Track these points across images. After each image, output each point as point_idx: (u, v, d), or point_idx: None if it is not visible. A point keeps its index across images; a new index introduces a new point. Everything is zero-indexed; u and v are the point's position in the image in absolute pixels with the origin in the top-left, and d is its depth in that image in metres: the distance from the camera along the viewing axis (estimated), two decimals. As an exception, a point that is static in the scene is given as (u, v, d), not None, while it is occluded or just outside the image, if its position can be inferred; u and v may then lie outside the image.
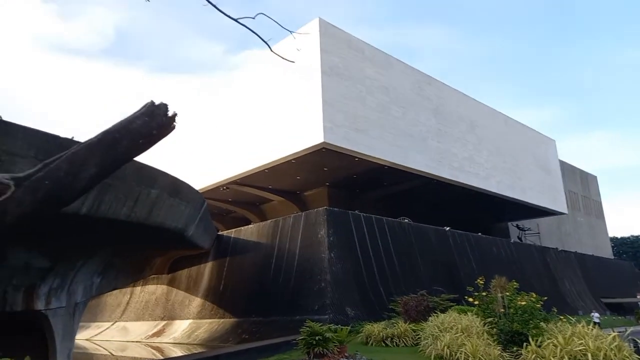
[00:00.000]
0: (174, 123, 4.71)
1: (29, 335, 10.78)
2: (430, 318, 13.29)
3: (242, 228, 24.51)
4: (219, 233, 25.04)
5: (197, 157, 30.71)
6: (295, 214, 22.41)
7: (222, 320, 20.73)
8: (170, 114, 4.61)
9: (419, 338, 12.81)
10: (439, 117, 29.74)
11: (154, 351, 19.60)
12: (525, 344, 10.02)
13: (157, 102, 4.63)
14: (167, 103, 4.69)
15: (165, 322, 23.79)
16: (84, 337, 25.73)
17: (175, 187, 12.62)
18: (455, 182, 29.23)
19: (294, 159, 23.94)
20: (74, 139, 9.54)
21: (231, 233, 24.60)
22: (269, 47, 9.34)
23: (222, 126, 29.43)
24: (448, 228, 27.55)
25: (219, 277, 23.03)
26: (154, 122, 4.53)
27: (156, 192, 11.24)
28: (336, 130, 22.39)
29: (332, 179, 27.80)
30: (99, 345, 23.50)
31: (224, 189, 29.39)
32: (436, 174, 27.79)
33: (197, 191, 15.36)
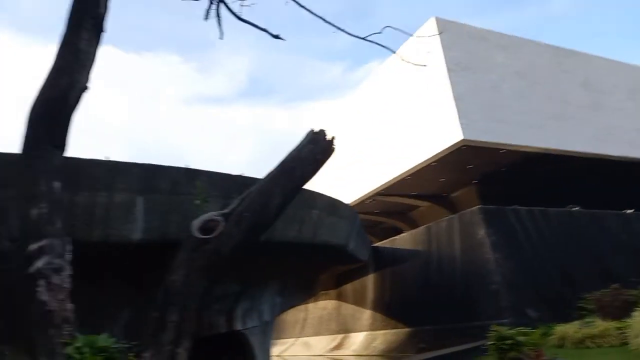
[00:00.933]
0: (333, 146, 5.13)
1: (231, 353, 12.33)
2: (634, 313, 11.68)
3: (396, 237, 24.77)
4: (373, 245, 25.63)
5: (340, 174, 31.97)
6: (448, 217, 21.97)
7: (395, 330, 21.03)
8: (328, 138, 5.06)
9: (625, 336, 11.33)
10: (589, 90, 26.68)
11: None
12: None
13: (316, 130, 5.11)
14: (325, 129, 5.14)
15: (342, 335, 24.94)
16: (274, 354, 28.27)
17: (332, 206, 13.48)
18: (627, 158, 25.70)
19: (434, 162, 23.59)
20: (243, 174, 10.86)
21: (385, 244, 25.04)
22: (400, 57, 9.49)
23: (359, 141, 30.28)
24: (632, 210, 24.15)
25: (382, 288, 23.49)
26: (317, 148, 5.00)
27: (317, 212, 12.13)
28: (474, 125, 21.57)
29: (480, 176, 26.60)
30: None
31: (370, 202, 30.04)
32: (600, 152, 24.83)
33: (350, 207, 16.11)
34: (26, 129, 4.04)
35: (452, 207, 28.58)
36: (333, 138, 5.13)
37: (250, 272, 11.60)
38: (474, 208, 20.33)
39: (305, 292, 19.88)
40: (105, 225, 7.72)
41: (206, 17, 8.07)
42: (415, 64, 11.01)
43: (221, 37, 8.51)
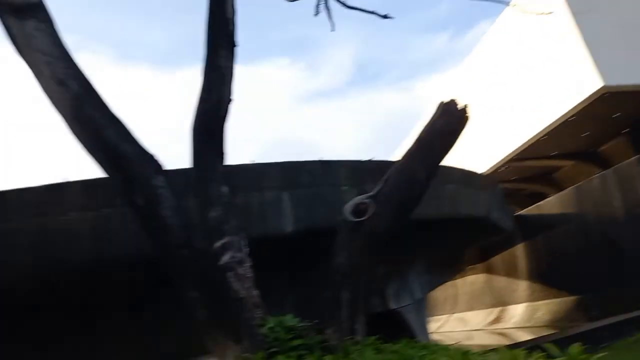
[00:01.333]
0: (467, 114, 4.98)
1: (390, 332, 12.58)
2: None
3: (541, 203, 23.16)
4: (517, 213, 24.32)
5: (467, 145, 30.66)
6: (600, 174, 19.92)
7: (558, 300, 19.81)
8: (460, 106, 4.92)
9: None
10: None
11: (500, 337, 20.19)
12: None
13: (446, 101, 4.99)
14: (455, 98, 5.01)
15: (499, 308, 24.26)
16: (430, 331, 28.64)
17: (468, 178, 13.12)
18: None
19: (572, 116, 21.47)
20: (373, 159, 11.08)
21: (531, 210, 23.62)
22: (519, 9, 8.82)
23: (482, 108, 28.66)
24: None
25: (535, 256, 22.28)
26: (451, 118, 4.90)
27: (452, 186, 11.89)
28: (614, 69, 19.14)
29: (631, 124, 23.47)
30: (447, 337, 25.53)
31: (504, 169, 28.42)
32: None
33: (487, 177, 15.46)
34: (191, 144, 4.62)
35: (602, 162, 25.70)
36: (466, 106, 5.00)
37: (395, 252, 11.80)
38: (632, 159, 18.11)
39: (452, 268, 19.69)
40: (261, 222, 8.54)
41: (316, 12, 8.35)
42: (539, 14, 10.11)
43: (333, 29, 8.74)
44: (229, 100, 4.78)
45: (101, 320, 8.53)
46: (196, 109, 4.59)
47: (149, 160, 3.92)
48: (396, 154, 42.83)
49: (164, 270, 4.06)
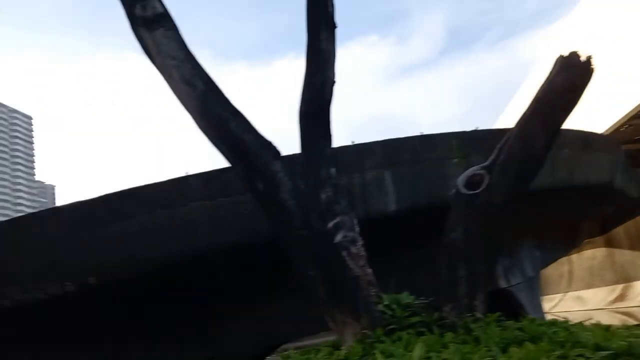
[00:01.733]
0: (592, 66, 4.46)
1: (503, 311, 12.00)
2: None
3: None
4: (643, 178, 21.87)
5: (581, 104, 27.99)
6: None
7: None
8: (583, 59, 4.40)
9: None
10: None
11: (625, 317, 18.57)
12: None
13: (566, 54, 4.49)
14: (576, 50, 4.48)
15: (622, 285, 22.35)
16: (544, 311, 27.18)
17: (585, 140, 11.95)
18: None
19: None
20: (478, 128, 10.51)
21: (662, 173, 21.05)
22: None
23: (598, 61, 25.81)
24: None
25: (669, 225, 20.01)
26: (573, 73, 4.42)
27: (568, 150, 10.90)
28: None
29: None
30: (561, 317, 24.05)
31: (625, 128, 25.49)
32: None
33: (607, 137, 14.06)
34: (300, 128, 4.70)
35: None
36: (589, 58, 4.50)
37: (505, 227, 11.16)
38: None
39: (567, 242, 18.18)
40: (364, 203, 8.50)
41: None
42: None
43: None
44: (333, 82, 4.79)
45: (223, 305, 8.98)
46: (302, 94, 4.66)
47: (268, 148, 4.11)
48: (500, 121, 40.11)
49: (283, 252, 4.21)
